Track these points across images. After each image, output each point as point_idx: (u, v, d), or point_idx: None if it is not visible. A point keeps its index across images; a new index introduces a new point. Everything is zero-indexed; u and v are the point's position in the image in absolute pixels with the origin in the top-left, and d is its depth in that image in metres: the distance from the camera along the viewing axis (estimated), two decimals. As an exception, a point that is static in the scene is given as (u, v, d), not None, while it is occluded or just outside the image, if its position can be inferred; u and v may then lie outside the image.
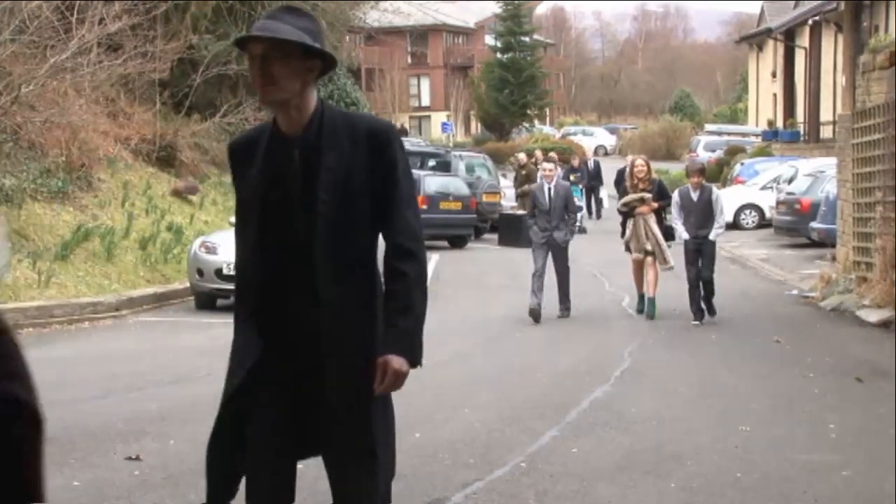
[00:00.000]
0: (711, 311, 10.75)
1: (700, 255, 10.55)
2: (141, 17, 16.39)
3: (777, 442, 5.86)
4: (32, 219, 12.95)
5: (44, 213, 13.35)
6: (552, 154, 24.10)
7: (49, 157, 14.17)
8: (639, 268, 11.12)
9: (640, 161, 11.33)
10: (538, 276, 10.94)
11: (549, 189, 11.18)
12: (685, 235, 10.54)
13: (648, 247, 10.85)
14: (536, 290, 10.86)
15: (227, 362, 2.93)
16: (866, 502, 4.81)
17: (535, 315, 10.72)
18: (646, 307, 11.05)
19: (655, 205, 11.04)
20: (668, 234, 10.95)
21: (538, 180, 12.24)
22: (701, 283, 10.63)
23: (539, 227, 11.10)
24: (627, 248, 11.26)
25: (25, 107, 13.96)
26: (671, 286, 14.65)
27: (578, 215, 22.71)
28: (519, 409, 6.67)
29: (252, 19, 20.38)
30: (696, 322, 10.55)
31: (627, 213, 11.11)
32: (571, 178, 22.90)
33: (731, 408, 6.78)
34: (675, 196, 10.76)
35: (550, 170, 11.46)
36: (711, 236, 10.54)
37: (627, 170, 11.38)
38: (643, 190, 10.92)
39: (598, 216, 25.10)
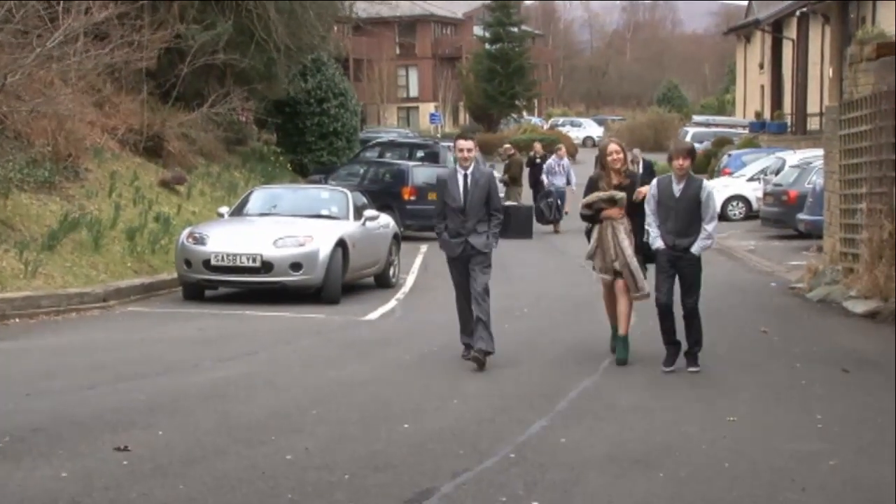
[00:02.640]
0: (692, 357, 7.69)
1: (679, 274, 7.65)
2: (127, 6, 16.27)
3: (765, 431, 5.89)
4: (19, 209, 12.87)
5: (30, 203, 13.26)
6: (560, 147, 23.88)
7: (35, 147, 14.07)
8: (610, 292, 8.09)
9: (613, 146, 8.00)
10: (463, 305, 8.02)
11: (466, 178, 7.87)
12: (659, 244, 7.59)
13: (617, 265, 7.90)
14: (464, 327, 8.03)
15: None
16: (854, 490, 4.84)
17: (479, 363, 7.64)
18: (623, 353, 7.97)
19: (636, 195, 7.95)
20: (649, 255, 7.87)
21: (453, 165, 9.20)
22: (682, 314, 7.73)
23: (450, 233, 7.90)
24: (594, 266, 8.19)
25: (11, 96, 13.84)
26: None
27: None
28: (508, 400, 6.68)
29: (239, 9, 20.31)
30: (668, 368, 7.63)
31: (592, 217, 8.04)
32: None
33: (719, 398, 6.81)
34: (652, 188, 7.72)
35: (469, 150, 7.89)
36: (695, 249, 7.54)
37: (598, 159, 8.23)
38: (618, 186, 7.89)
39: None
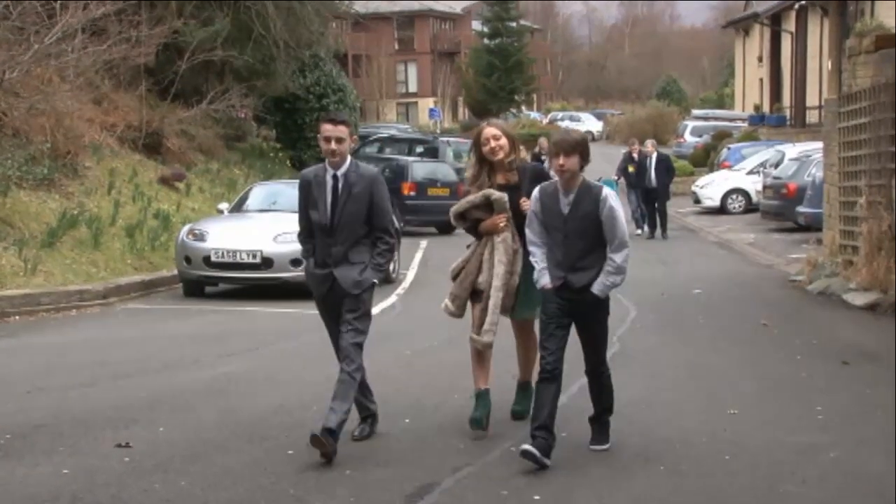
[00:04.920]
0: (601, 429, 5.42)
1: (576, 324, 5.22)
2: (125, 3, 16.26)
3: (765, 424, 5.89)
4: (18, 206, 12.87)
5: (29, 201, 13.26)
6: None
7: (34, 145, 14.06)
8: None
9: (491, 130, 5.65)
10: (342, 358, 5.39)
11: (336, 181, 5.29)
12: (545, 281, 5.17)
13: (482, 282, 5.60)
14: (339, 396, 5.19)
15: None
16: (854, 482, 4.85)
17: (321, 450, 5.01)
18: (478, 412, 5.62)
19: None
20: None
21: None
22: (589, 381, 5.42)
23: (315, 260, 5.40)
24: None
25: (9, 93, 13.84)
26: (658, 272, 14.75)
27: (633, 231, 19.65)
28: (509, 394, 6.67)
29: (237, 5, 20.28)
30: (535, 459, 4.94)
31: (474, 231, 5.72)
32: (630, 168, 19.24)
33: (719, 391, 6.82)
34: (533, 201, 5.27)
35: (339, 141, 5.21)
36: (597, 289, 5.11)
37: (472, 147, 5.88)
38: (503, 186, 5.64)
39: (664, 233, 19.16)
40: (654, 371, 7.50)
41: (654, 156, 18.81)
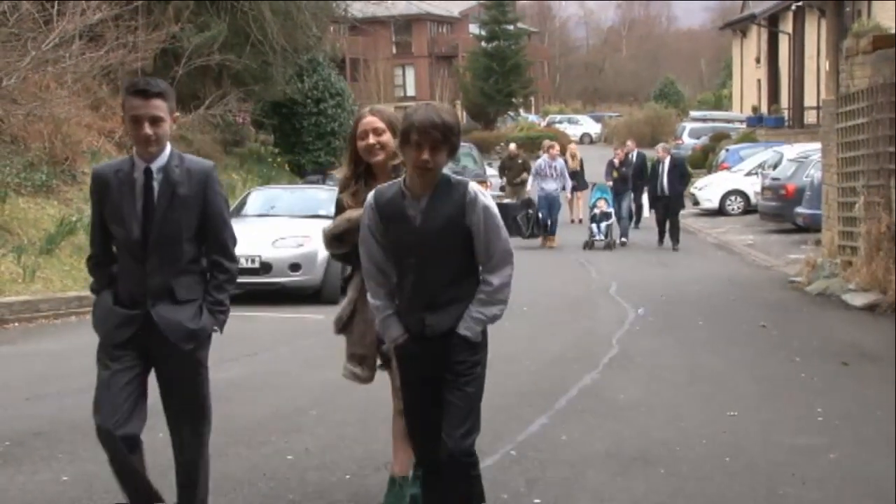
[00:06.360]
0: None
1: (442, 385, 3.57)
2: (122, 8, 16.26)
3: (764, 426, 5.89)
4: (16, 213, 12.86)
5: (28, 207, 13.26)
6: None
7: (32, 151, 14.07)
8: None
9: (371, 120, 4.18)
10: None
11: (150, 179, 3.73)
12: (394, 330, 3.63)
13: (386, 347, 4.09)
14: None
15: None
16: (853, 484, 4.84)
17: None
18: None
19: None
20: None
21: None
22: (444, 473, 3.54)
23: (121, 294, 3.81)
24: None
25: (7, 100, 13.84)
26: (657, 274, 14.75)
27: (619, 225, 18.39)
28: (508, 398, 6.67)
29: (234, 10, 20.30)
30: None
31: (348, 257, 4.23)
32: (614, 174, 18.95)
33: (718, 393, 6.81)
34: (366, 211, 3.64)
35: (154, 122, 3.65)
36: (466, 330, 3.53)
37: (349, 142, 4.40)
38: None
39: (637, 224, 20.38)
40: (653, 373, 7.49)
41: (668, 161, 17.38)
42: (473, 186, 3.53)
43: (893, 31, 11.77)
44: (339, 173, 4.42)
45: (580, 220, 21.14)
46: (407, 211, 3.50)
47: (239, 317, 11.00)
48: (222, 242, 3.84)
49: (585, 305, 11.35)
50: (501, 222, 3.56)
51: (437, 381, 3.55)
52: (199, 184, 3.76)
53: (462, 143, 25.02)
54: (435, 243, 3.49)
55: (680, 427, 5.85)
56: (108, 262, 3.83)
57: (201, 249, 3.81)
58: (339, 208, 4.24)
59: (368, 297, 3.69)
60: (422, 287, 3.53)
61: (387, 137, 4.14)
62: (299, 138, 24.85)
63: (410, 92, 58.05)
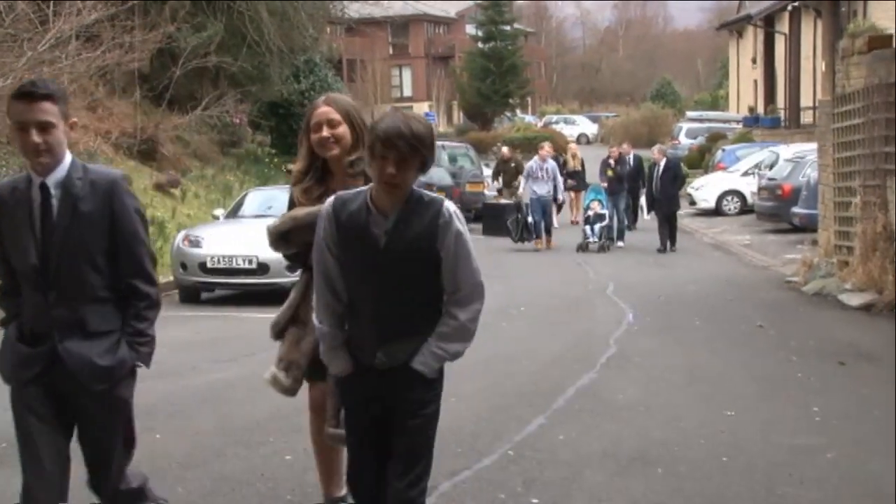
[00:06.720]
0: None
1: (391, 430, 3.17)
2: (118, 8, 16.25)
3: (762, 426, 5.90)
4: (13, 214, 12.86)
5: (24, 209, 13.26)
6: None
7: (28, 152, 14.05)
8: (317, 414, 4.08)
9: (326, 111, 3.86)
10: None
11: (47, 196, 3.23)
12: (340, 363, 3.19)
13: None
14: None
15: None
16: (851, 483, 4.85)
17: None
18: None
19: None
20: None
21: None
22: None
23: (22, 329, 3.33)
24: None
25: (3, 101, 13.82)
26: (654, 274, 14.75)
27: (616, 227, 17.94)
28: (506, 398, 6.68)
29: (231, 11, 20.29)
30: None
31: (299, 255, 3.98)
32: (609, 172, 18.68)
33: (716, 393, 6.82)
34: (322, 221, 3.20)
35: (45, 129, 3.15)
36: (421, 365, 3.11)
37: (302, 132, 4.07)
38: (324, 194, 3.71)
39: (633, 226, 20.26)
40: (650, 373, 7.50)
41: (663, 163, 17.09)
42: (449, 207, 3.10)
43: (889, 32, 11.80)
44: (295, 166, 4.02)
45: (579, 221, 21.15)
46: (371, 229, 3.05)
47: (237, 317, 11.04)
48: (138, 264, 3.28)
49: (583, 306, 11.36)
50: (473, 251, 3.11)
51: (384, 421, 3.14)
52: (104, 197, 3.21)
53: (459, 144, 25.06)
54: (400, 270, 3.05)
55: (678, 427, 5.86)
56: (16, 292, 3.33)
57: (114, 273, 3.27)
58: (292, 204, 3.97)
59: (314, 318, 3.24)
60: (379, 317, 3.08)
61: (342, 130, 3.81)
62: (296, 139, 24.70)
63: (407, 93, 58.07)
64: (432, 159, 3.10)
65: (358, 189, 3.19)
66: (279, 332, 3.91)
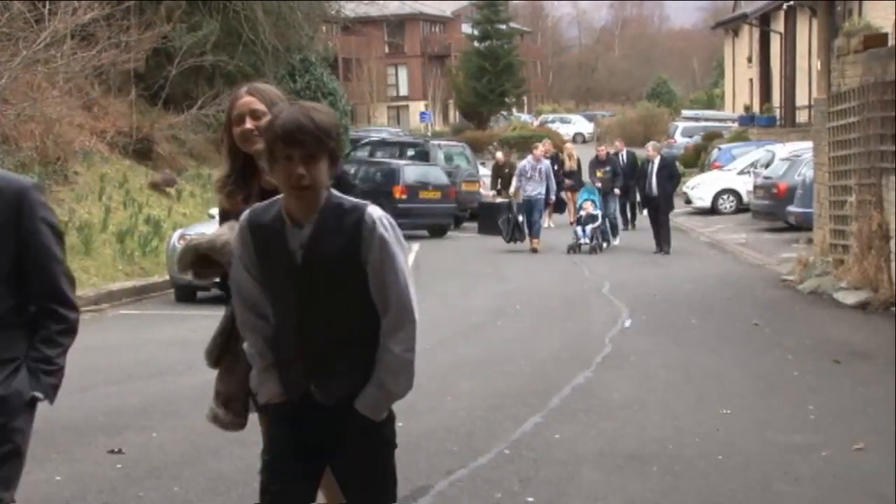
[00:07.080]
0: None
1: (333, 467, 2.85)
2: (114, 8, 16.23)
3: (758, 424, 5.91)
4: (8, 213, 12.84)
5: (19, 208, 13.23)
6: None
7: (23, 151, 14.02)
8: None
9: (249, 101, 3.34)
10: None
11: None
12: (269, 394, 2.81)
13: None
14: None
15: None
16: (846, 481, 4.86)
17: None
18: None
19: None
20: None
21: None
22: None
23: None
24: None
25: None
26: (650, 273, 14.78)
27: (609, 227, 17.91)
28: (502, 397, 6.68)
29: (226, 10, 20.26)
30: None
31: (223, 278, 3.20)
32: (598, 173, 18.48)
33: (711, 391, 6.83)
34: (238, 238, 2.84)
35: None
36: (363, 406, 2.73)
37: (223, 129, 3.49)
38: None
39: (633, 225, 20.34)
40: (646, 372, 7.51)
41: (657, 161, 16.67)
42: (373, 212, 2.67)
43: (884, 31, 11.82)
44: (218, 171, 3.47)
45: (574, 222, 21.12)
46: (288, 244, 2.67)
47: (232, 317, 11.01)
48: (52, 284, 2.81)
49: (579, 305, 11.36)
50: (404, 266, 2.70)
51: (311, 459, 2.73)
52: (9, 209, 2.75)
53: (456, 143, 24.86)
54: (322, 290, 2.65)
55: (673, 425, 5.86)
56: None
57: (22, 294, 2.81)
58: (223, 216, 3.39)
59: (244, 345, 2.90)
60: (304, 347, 2.69)
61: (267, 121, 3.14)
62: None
63: (403, 91, 58.05)
64: (341, 152, 2.79)
65: (272, 199, 2.76)
66: (214, 361, 3.35)
